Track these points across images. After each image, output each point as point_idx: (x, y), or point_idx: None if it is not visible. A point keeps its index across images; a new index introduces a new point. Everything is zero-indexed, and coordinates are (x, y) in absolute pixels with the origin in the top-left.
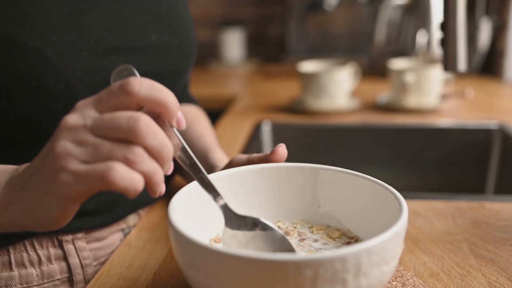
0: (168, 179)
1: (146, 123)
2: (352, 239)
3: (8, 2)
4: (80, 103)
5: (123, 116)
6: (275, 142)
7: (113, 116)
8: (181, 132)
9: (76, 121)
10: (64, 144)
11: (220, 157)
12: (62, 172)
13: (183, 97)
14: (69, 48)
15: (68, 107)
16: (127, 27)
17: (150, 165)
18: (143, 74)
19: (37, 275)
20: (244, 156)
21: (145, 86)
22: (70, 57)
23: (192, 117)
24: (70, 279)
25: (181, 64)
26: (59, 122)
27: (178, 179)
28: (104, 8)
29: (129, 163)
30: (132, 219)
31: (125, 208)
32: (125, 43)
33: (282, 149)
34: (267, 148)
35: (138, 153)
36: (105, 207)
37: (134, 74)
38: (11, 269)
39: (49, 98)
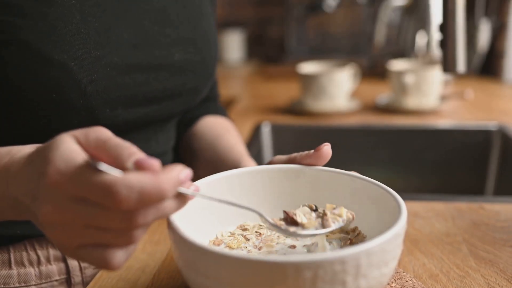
0: None
1: (143, 218)
2: (354, 232)
3: (40, 15)
4: (53, 189)
5: (115, 221)
6: (275, 143)
7: (107, 221)
8: (213, 144)
9: (63, 217)
10: (57, 236)
11: (252, 166)
12: (59, 247)
13: (214, 109)
14: (93, 63)
15: (86, 121)
16: (153, 44)
17: (147, 229)
18: (164, 92)
19: (35, 275)
20: (284, 157)
21: (133, 198)
22: (93, 73)
23: (223, 128)
24: (68, 281)
25: (202, 81)
26: None
27: None
28: (133, 24)
29: (127, 244)
30: None
31: None
32: (150, 60)
33: (327, 148)
34: (266, 149)
35: (137, 236)
36: None
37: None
38: (10, 267)
39: (67, 111)
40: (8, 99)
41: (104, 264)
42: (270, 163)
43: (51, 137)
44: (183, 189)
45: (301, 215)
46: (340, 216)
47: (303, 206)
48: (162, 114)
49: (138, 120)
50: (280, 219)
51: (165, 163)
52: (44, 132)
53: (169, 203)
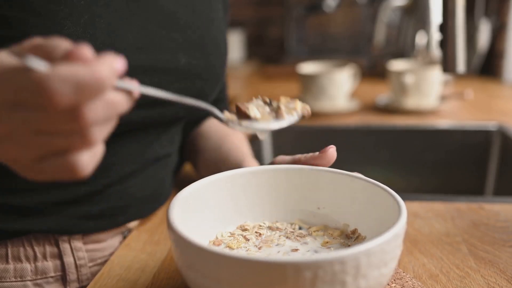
0: (176, 169)
1: (92, 114)
2: (354, 234)
3: (49, 13)
4: None
5: (61, 122)
6: (275, 144)
7: (52, 123)
8: (218, 144)
9: (5, 129)
10: (9, 153)
11: (254, 165)
12: (19, 167)
13: (222, 111)
14: None
15: None
16: (159, 48)
17: (108, 128)
18: None
19: (31, 270)
20: (287, 157)
21: (68, 91)
22: None
23: (229, 130)
24: (64, 278)
25: (208, 87)
26: None
27: (181, 177)
28: (139, 26)
29: (87, 146)
30: (133, 223)
31: (130, 216)
32: (154, 63)
33: (332, 151)
34: (266, 149)
35: (95, 135)
36: (109, 212)
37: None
38: (7, 262)
39: None
40: None
41: (70, 172)
42: (273, 163)
43: None
44: (122, 83)
45: (254, 109)
46: (295, 109)
47: (256, 99)
48: (166, 117)
49: (141, 121)
50: (232, 113)
51: (168, 165)
52: None
53: (116, 96)
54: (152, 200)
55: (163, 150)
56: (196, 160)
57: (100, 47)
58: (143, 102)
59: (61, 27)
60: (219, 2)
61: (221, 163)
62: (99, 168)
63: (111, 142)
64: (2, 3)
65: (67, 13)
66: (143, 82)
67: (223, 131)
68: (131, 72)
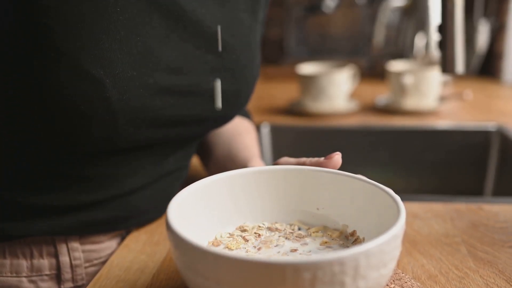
0: (185, 167)
1: None
2: (352, 236)
3: (86, 27)
4: None
5: None
6: (274, 144)
7: None
8: (229, 142)
9: None
10: None
11: (259, 165)
12: None
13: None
14: (127, 83)
15: (107, 134)
16: (191, 69)
17: None
18: (190, 117)
19: (27, 267)
20: (292, 159)
21: None
22: (125, 92)
23: (243, 129)
24: (58, 276)
25: (232, 111)
26: (95, 145)
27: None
28: (175, 47)
29: None
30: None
31: (130, 224)
32: (183, 85)
33: (337, 158)
34: (266, 150)
35: None
36: (111, 220)
37: None
38: (4, 257)
39: (91, 123)
40: (29, 102)
41: None
42: (277, 164)
43: (66, 143)
44: None
45: None
46: None
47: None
48: (186, 136)
49: (160, 138)
50: None
51: (180, 177)
52: (60, 137)
53: None
54: (155, 212)
55: (177, 164)
56: (205, 155)
57: (132, 67)
58: (161, 122)
59: (96, 42)
60: (258, 23)
61: (229, 161)
62: (111, 178)
63: (125, 155)
64: (35, 11)
65: (104, 28)
66: (167, 102)
67: (237, 130)
68: (159, 92)
